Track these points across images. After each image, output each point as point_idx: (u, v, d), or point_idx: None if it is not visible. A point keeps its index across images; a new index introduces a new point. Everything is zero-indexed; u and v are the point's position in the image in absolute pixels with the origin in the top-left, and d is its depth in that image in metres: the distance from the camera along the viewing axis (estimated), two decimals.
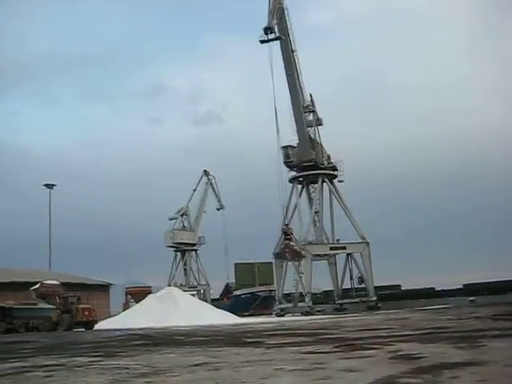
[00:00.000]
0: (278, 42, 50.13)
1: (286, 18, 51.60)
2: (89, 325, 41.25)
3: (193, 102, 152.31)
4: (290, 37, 51.58)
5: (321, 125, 55.11)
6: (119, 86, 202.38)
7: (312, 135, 54.71)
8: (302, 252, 53.33)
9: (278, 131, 50.25)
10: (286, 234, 51.34)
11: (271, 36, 49.17)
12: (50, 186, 73.77)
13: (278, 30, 50.25)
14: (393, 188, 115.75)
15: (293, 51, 52.13)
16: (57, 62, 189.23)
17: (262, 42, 49.43)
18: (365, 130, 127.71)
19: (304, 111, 53.96)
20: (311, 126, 54.82)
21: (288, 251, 49.14)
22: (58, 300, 42.43)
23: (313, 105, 54.50)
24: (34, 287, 43.10)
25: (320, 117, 54.87)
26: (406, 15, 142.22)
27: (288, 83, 51.97)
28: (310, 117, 54.65)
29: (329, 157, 54.57)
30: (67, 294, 43.53)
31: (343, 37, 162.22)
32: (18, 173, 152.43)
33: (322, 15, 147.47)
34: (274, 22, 49.50)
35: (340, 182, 54.99)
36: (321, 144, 54.55)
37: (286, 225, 52.69)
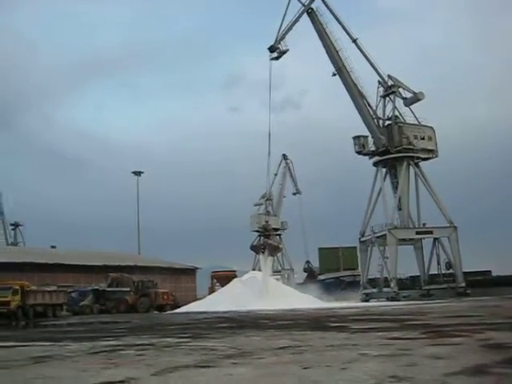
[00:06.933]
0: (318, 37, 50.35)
1: (320, 19, 50.23)
2: (163, 308, 43.84)
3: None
4: (330, 35, 50.04)
5: (418, 100, 52.82)
6: (198, 75, 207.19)
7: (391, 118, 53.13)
8: (280, 246, 57.63)
9: (269, 154, 48.80)
10: (266, 229, 52.75)
11: (276, 54, 49.72)
12: (137, 174, 76.31)
13: (316, 31, 50.15)
14: (484, 167, 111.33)
15: (354, 40, 50.60)
16: (137, 54, 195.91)
17: (272, 59, 50.06)
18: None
19: (384, 94, 52.81)
20: (407, 105, 53.32)
21: (264, 247, 49.20)
22: (133, 284, 44.97)
23: (394, 85, 52.87)
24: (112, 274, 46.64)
25: (417, 91, 52.59)
26: None
27: (340, 77, 51.04)
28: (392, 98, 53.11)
29: (411, 137, 52.30)
30: (143, 279, 46.29)
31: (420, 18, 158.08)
32: (104, 161, 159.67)
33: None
34: (283, 38, 49.37)
35: (417, 161, 52.95)
36: (399, 126, 52.45)
37: (266, 221, 54.43)
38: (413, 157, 52.42)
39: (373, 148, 53.54)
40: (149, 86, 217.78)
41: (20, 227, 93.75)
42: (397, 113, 53.22)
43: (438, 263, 53.16)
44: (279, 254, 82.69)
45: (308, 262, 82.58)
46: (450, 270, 51.64)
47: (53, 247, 65.23)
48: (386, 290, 50.83)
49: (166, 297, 46.39)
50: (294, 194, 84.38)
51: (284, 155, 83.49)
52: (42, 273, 47.58)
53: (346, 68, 50.81)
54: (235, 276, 56.68)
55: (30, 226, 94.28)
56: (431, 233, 52.45)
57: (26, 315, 33.33)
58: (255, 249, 53.27)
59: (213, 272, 70.08)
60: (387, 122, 53.34)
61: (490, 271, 57.14)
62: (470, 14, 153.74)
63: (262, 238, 54.14)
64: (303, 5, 50.15)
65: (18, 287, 33.89)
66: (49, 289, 37.38)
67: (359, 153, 54.09)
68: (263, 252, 48.47)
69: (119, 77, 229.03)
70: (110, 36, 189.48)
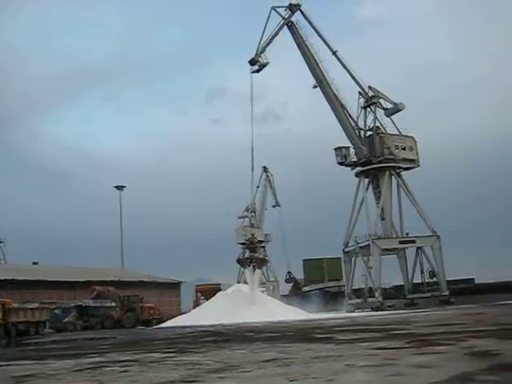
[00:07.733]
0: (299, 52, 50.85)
1: (300, 32, 50.74)
2: (149, 322, 43.53)
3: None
4: (310, 47, 50.41)
5: (399, 110, 53.19)
6: (181, 88, 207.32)
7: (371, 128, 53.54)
8: (266, 258, 58.29)
9: (252, 169, 49.88)
10: (252, 242, 52.64)
11: (257, 67, 50.38)
12: (120, 188, 75.77)
13: (296, 44, 50.61)
14: (465, 177, 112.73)
15: (334, 52, 51.21)
16: (121, 66, 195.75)
17: (253, 72, 50.65)
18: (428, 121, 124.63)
19: (365, 105, 53.22)
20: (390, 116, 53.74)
21: (251, 261, 49.05)
22: (119, 299, 44.59)
23: (374, 96, 53.30)
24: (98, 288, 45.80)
25: (398, 102, 52.95)
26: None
27: (320, 89, 51.60)
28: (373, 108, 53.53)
29: (392, 148, 52.68)
30: (128, 294, 45.89)
31: (402, 29, 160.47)
32: (89, 175, 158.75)
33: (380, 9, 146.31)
34: (264, 51, 49.93)
35: (399, 170, 53.37)
36: (380, 136, 52.82)
37: (252, 234, 54.44)
38: (394, 167, 52.83)
39: (355, 159, 53.80)
40: (134, 99, 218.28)
41: (0, 244, 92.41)
42: (378, 123, 53.69)
43: (422, 272, 53.41)
44: (264, 266, 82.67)
45: (289, 272, 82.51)
46: (434, 279, 51.93)
47: (35, 263, 64.41)
48: (370, 300, 50.88)
49: (151, 311, 46.11)
50: (274, 206, 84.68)
51: (264, 167, 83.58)
52: (24, 290, 46.88)
53: (326, 80, 51.20)
54: (220, 289, 56.43)
55: (11, 242, 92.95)
56: (414, 242, 52.70)
57: (7, 334, 32.72)
58: (241, 262, 53.01)
59: (197, 285, 69.76)
60: (368, 133, 53.67)
61: (473, 279, 57.59)
62: (457, 22, 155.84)
63: (248, 251, 53.89)
64: (283, 18, 50.58)
65: None
66: (31, 306, 36.74)
67: (341, 164, 54.36)
68: (249, 265, 48.28)
69: (105, 89, 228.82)
70: (96, 48, 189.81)
